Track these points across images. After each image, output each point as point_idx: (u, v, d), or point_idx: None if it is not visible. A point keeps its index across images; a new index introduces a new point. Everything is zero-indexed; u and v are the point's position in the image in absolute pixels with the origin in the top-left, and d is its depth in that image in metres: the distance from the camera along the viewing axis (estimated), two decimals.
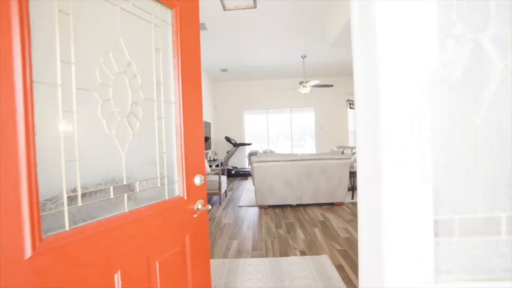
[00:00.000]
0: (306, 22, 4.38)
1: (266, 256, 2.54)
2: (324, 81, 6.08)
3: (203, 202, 1.07)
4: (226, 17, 4.11)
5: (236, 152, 8.59)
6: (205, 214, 1.12)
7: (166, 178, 0.96)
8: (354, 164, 4.76)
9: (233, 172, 7.53)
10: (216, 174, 4.48)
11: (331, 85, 6.53)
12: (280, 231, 3.21)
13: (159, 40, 0.94)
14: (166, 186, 0.96)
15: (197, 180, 1.05)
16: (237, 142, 8.06)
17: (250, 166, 8.45)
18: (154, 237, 0.88)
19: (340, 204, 4.27)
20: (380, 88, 0.62)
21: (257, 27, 4.53)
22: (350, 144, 9.92)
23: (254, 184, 4.21)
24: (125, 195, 0.82)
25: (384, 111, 0.62)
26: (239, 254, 2.60)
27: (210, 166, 5.84)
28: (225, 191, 5.24)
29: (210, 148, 7.18)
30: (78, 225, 0.70)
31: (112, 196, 0.78)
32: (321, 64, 6.97)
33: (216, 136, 8.59)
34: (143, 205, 0.87)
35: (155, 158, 0.92)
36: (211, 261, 2.45)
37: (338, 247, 2.68)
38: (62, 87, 0.66)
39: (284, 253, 2.60)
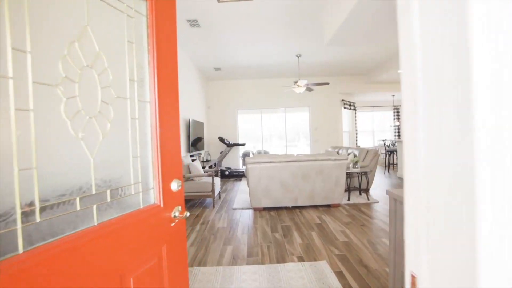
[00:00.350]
0: (302, 19, 4.28)
1: (262, 262, 2.42)
2: (318, 81, 6.01)
3: (180, 209, 1.01)
4: (220, 13, 3.98)
5: (229, 153, 8.45)
6: (182, 222, 1.05)
7: (140, 184, 0.86)
8: (350, 165, 4.69)
9: (226, 173, 7.38)
10: (210, 175, 4.34)
11: (327, 83, 6.45)
12: (276, 235, 3.09)
13: (132, 33, 0.84)
14: (140, 194, 0.87)
15: (174, 185, 0.97)
16: (230, 143, 7.92)
17: (244, 167, 8.33)
18: (128, 251, 0.78)
19: (337, 205, 4.18)
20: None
21: (252, 24, 4.40)
22: (345, 144, 9.90)
23: (248, 186, 4.09)
24: (94, 206, 0.70)
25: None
26: (234, 261, 2.47)
27: (203, 167, 5.69)
28: (219, 193, 5.10)
29: (203, 149, 7.02)
30: (35, 246, 0.56)
31: (78, 208, 0.66)
32: (315, 63, 6.90)
33: (209, 136, 8.43)
34: (115, 216, 0.76)
35: (128, 163, 0.82)
36: (204, 269, 2.31)
37: (337, 252, 2.58)
38: (14, 80, 0.53)
39: (281, 259, 2.48)
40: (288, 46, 5.55)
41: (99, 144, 0.71)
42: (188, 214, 1.02)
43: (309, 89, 6.56)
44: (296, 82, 6.07)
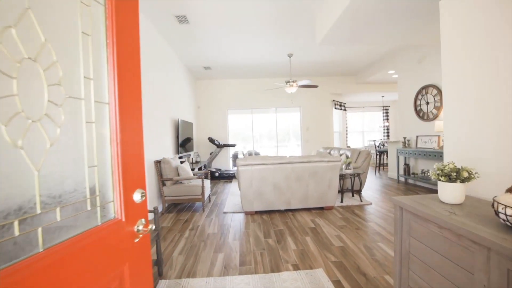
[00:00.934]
0: (294, 18, 4.18)
1: (256, 272, 2.29)
2: (310, 81, 5.93)
3: (144, 222, 0.91)
4: (210, 9, 3.82)
5: (220, 154, 8.27)
6: (147, 237, 0.95)
7: (98, 198, 0.75)
8: (343, 166, 4.63)
9: (216, 174, 7.21)
10: (199, 178, 4.16)
11: (316, 86, 6.40)
12: (270, 240, 2.96)
13: (88, 24, 0.72)
14: (98, 208, 0.75)
15: (137, 196, 0.88)
16: (221, 143, 7.75)
17: (235, 168, 8.17)
18: (83, 278, 0.66)
19: (330, 208, 4.10)
20: None
21: (243, 22, 4.26)
22: (335, 145, 9.91)
23: (240, 189, 3.94)
24: (40, 229, 0.57)
25: None
26: (226, 270, 2.33)
27: (193, 169, 5.50)
28: (209, 195, 4.93)
29: (192, 150, 6.81)
30: None
31: (17, 233, 0.52)
32: (307, 63, 6.83)
33: (199, 137, 8.22)
34: (67, 238, 0.64)
35: (83, 174, 0.70)
36: (194, 281, 2.15)
37: (333, 259, 2.48)
38: None
39: (276, 267, 2.36)
40: (280, 45, 5.44)
41: (46, 153, 0.58)
42: (154, 227, 0.92)
43: (302, 87, 6.48)
44: (288, 82, 5.97)
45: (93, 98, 0.73)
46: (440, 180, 1.22)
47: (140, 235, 0.89)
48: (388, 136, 11.15)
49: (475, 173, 1.18)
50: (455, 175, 1.19)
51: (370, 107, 11.26)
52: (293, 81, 5.94)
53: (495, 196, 0.97)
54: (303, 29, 4.63)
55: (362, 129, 11.64)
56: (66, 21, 0.66)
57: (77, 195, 0.67)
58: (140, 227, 0.89)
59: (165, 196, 4.14)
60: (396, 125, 11.04)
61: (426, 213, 1.14)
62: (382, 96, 10.02)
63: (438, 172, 1.23)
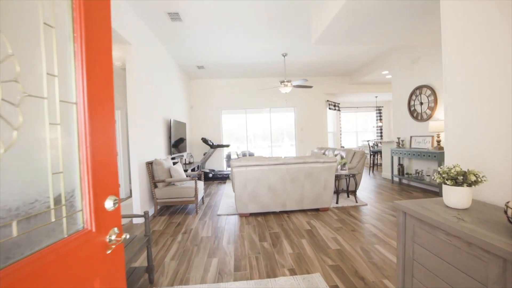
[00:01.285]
0: (290, 17, 4.11)
1: (251, 277, 2.21)
2: (305, 81, 5.89)
3: (117, 231, 0.84)
4: (204, 7, 3.72)
5: (213, 154, 8.15)
6: (120, 248, 0.87)
7: (64, 208, 0.67)
8: (338, 167, 4.59)
9: (210, 175, 7.09)
10: (192, 179, 4.06)
11: (311, 86, 6.36)
12: (265, 244, 2.89)
13: (51, 14, 0.65)
14: (64, 219, 0.68)
15: (109, 203, 0.81)
16: (214, 144, 7.64)
17: (229, 169, 8.06)
18: None
19: (326, 209, 4.05)
20: None
21: (238, 20, 4.18)
22: (330, 145, 9.91)
23: (234, 191, 3.86)
24: None
25: None
26: (220, 276, 2.24)
27: (186, 170, 5.38)
28: (202, 197, 4.83)
29: (185, 151, 6.68)
30: None
31: None
32: (302, 63, 6.78)
33: (192, 138, 8.09)
34: (26, 256, 0.56)
35: (46, 181, 0.62)
36: None
37: (330, 262, 2.42)
38: None
39: (272, 272, 2.28)
40: (275, 44, 5.38)
41: None
42: (128, 235, 0.85)
43: (296, 87, 6.44)
44: (282, 82, 5.91)
45: (58, 97, 0.65)
46: (446, 183, 1.17)
47: (113, 246, 0.82)
48: (381, 136, 11.22)
49: (483, 176, 1.12)
50: (462, 179, 1.13)
51: (363, 107, 11.31)
52: (288, 81, 5.88)
53: (508, 202, 0.91)
54: (298, 28, 4.58)
55: (356, 129, 11.69)
56: (23, 10, 0.57)
57: (39, 206, 0.59)
58: (113, 237, 0.82)
59: (157, 199, 4.02)
60: (389, 126, 11.12)
61: (432, 219, 1.08)
62: (376, 97, 10.07)
63: (443, 175, 1.18)
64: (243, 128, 8.90)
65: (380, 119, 11.20)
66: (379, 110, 11.20)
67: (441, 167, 1.23)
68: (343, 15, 3.27)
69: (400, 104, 6.02)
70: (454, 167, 1.18)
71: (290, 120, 8.87)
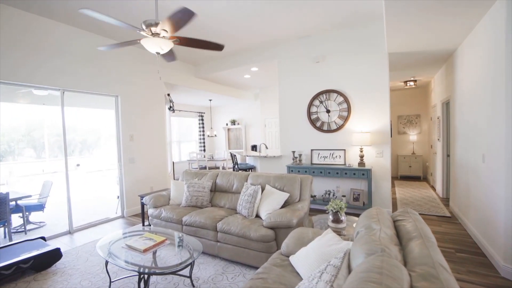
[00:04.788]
0: None
1: None
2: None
3: None
4: None
5: None
6: None
7: None
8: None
9: None
10: None
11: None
12: None
13: None
14: None
15: None
16: None
17: None
18: None
19: None
20: None
21: None
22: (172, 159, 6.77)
23: None
24: None
25: None
26: None
27: None
28: None
29: None
30: None
31: None
32: None
33: None
34: None
35: None
36: None
37: None
38: None
39: None
40: None
41: None
42: None
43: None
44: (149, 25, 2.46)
45: None
46: None
47: None
48: (204, 148, 9.69)
49: None
50: None
51: (187, 112, 9.20)
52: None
53: None
54: None
55: (178, 139, 9.24)
56: None
57: None
58: None
59: None
60: (249, 137, 9.92)
61: None
62: (210, 100, 8.44)
63: None
64: None
65: (203, 127, 9.68)
66: (201, 116, 9.66)
67: None
68: None
69: (293, 111, 4.85)
70: None
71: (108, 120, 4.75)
